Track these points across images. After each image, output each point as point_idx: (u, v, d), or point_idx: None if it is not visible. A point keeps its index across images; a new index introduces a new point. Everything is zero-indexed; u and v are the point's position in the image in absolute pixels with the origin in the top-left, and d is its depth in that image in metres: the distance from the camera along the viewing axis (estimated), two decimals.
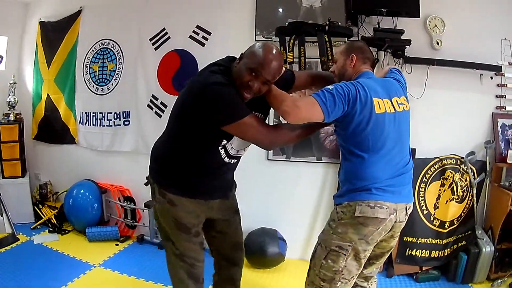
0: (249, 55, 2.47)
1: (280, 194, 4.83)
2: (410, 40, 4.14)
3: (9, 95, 5.78)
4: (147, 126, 5.27)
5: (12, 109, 5.79)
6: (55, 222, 5.69)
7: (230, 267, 3.25)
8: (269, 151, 4.75)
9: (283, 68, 2.61)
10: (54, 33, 5.90)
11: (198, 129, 2.51)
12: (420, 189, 4.29)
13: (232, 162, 2.79)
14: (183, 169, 2.70)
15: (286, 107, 2.44)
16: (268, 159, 4.85)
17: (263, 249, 4.47)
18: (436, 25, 4.30)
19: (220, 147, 2.62)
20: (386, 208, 2.46)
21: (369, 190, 2.47)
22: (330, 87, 2.45)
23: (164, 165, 2.79)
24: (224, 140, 2.59)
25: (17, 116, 5.89)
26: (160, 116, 5.17)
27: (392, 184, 2.52)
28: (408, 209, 2.65)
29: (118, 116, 5.48)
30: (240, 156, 2.84)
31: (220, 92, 2.39)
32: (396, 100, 2.61)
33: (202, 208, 2.84)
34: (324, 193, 4.73)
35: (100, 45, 5.56)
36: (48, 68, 5.96)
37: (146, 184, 3.00)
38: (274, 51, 2.47)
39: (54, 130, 6.07)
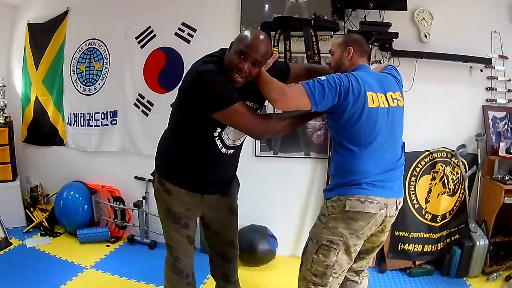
0: (237, 40, 2.51)
1: (269, 190, 4.82)
2: (398, 33, 4.13)
3: None
4: (134, 125, 5.27)
5: (1, 112, 5.76)
6: (47, 225, 5.68)
7: (222, 263, 3.27)
8: (256, 147, 4.76)
9: (273, 52, 2.65)
10: (41, 35, 5.89)
11: (192, 117, 2.55)
12: (411, 183, 4.29)
13: (229, 153, 2.79)
14: (182, 160, 2.75)
15: (275, 94, 2.48)
16: (255, 155, 4.83)
17: (253, 246, 4.47)
18: (424, 18, 4.29)
19: (216, 137, 2.64)
20: (377, 203, 2.47)
21: (360, 184, 2.47)
22: (323, 77, 2.46)
23: (166, 156, 2.86)
24: (218, 128, 2.61)
25: (7, 119, 5.85)
26: (146, 114, 5.17)
27: (382, 179, 2.52)
28: (399, 204, 2.66)
29: (106, 116, 5.45)
30: (238, 147, 2.85)
31: (210, 79, 2.43)
32: (391, 95, 2.62)
33: (198, 203, 2.88)
34: (313, 188, 4.72)
35: (87, 45, 5.54)
36: (36, 70, 5.94)
37: (152, 174, 3.04)
38: (261, 34, 2.49)
39: (43, 132, 6.05)
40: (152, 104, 5.12)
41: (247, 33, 2.49)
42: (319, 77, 2.48)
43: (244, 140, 2.87)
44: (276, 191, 4.81)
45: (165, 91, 5.02)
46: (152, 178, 3.03)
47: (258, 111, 2.83)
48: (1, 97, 5.77)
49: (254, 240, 4.41)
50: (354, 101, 2.43)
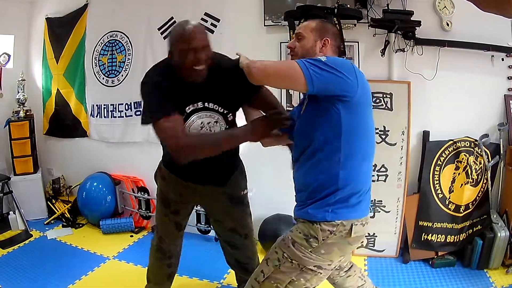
0: (172, 44, 2.49)
1: None
2: (420, 22, 4.13)
3: (18, 92, 5.87)
4: None
5: (21, 106, 5.88)
6: (69, 216, 5.78)
7: (231, 251, 3.38)
8: None
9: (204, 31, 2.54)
10: (61, 29, 6.00)
11: None
12: (435, 172, 4.29)
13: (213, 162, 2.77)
14: None
15: (252, 64, 2.30)
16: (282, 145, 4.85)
17: (279, 235, 4.43)
18: (445, 6, 4.28)
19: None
20: (368, 221, 2.36)
21: (360, 203, 2.26)
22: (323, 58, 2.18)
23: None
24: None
25: (27, 113, 5.98)
26: None
27: (369, 187, 2.38)
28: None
29: (130, 107, 5.54)
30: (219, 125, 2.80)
31: (143, 92, 2.57)
32: None
33: (190, 192, 2.99)
34: None
35: (109, 37, 5.64)
36: (57, 63, 6.07)
37: None
38: (185, 25, 2.46)
39: (65, 124, 6.17)
40: None
41: (174, 33, 2.51)
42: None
43: (233, 103, 2.84)
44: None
45: None
46: None
47: (230, 115, 2.79)
48: (21, 91, 5.88)
49: (279, 229, 4.40)
50: (361, 97, 2.19)
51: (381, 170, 4.36)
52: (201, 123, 2.69)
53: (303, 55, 2.37)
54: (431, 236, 4.31)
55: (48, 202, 6.07)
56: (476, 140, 4.28)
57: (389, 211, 4.42)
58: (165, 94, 2.49)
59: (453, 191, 4.32)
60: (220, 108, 2.72)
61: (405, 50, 4.24)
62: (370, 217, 2.58)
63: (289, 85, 2.49)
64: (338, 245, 2.23)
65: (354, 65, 2.24)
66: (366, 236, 4.31)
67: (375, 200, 4.42)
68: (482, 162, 4.30)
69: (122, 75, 5.57)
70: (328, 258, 2.25)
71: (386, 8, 4.14)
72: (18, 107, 5.90)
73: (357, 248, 2.69)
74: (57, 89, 6.14)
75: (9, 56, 6.11)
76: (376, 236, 4.45)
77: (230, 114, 2.80)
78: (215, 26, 4.92)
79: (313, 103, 2.29)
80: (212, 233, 5.05)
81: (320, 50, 2.42)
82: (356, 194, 2.23)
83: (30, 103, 6.08)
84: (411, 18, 4.12)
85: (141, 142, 5.56)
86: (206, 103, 2.66)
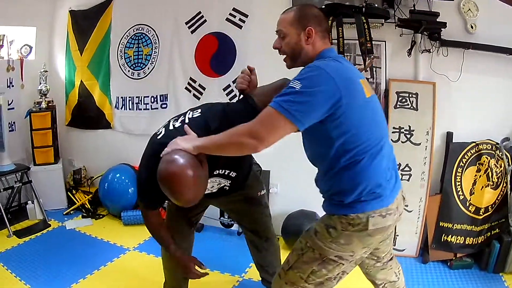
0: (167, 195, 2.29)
1: None
2: (446, 23, 4.15)
3: (40, 83, 5.93)
4: (185, 109, 5.25)
5: (44, 97, 5.94)
6: (89, 207, 5.86)
7: (254, 251, 3.44)
8: None
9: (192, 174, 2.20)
10: (85, 21, 6.07)
11: None
12: (457, 174, 4.32)
13: (227, 186, 2.86)
14: None
15: (242, 138, 2.08)
16: None
17: (301, 231, 4.40)
18: (469, 9, 4.29)
19: None
20: (394, 211, 2.26)
21: (380, 196, 2.19)
22: (295, 85, 2.03)
23: None
24: None
25: (49, 104, 6.03)
26: (198, 98, 5.29)
27: (390, 176, 2.28)
28: (404, 194, 2.46)
29: (155, 99, 5.62)
30: (236, 177, 2.82)
31: (139, 178, 2.64)
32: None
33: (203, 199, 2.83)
34: None
35: (135, 30, 5.72)
36: (81, 55, 6.14)
37: None
38: (171, 178, 2.20)
39: (88, 115, 6.25)
40: (204, 88, 5.27)
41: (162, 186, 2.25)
42: (288, 87, 2.05)
43: (245, 164, 2.90)
44: None
45: (217, 75, 5.17)
46: None
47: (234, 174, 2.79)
48: (43, 82, 5.93)
49: (303, 225, 4.35)
50: (349, 99, 2.05)
51: (405, 169, 4.40)
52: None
53: (292, 54, 2.32)
54: (451, 238, 4.35)
55: (68, 193, 6.12)
56: (497, 143, 4.30)
57: (411, 211, 4.44)
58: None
59: (473, 193, 4.35)
60: (232, 173, 2.78)
61: (431, 51, 4.27)
62: None
63: (282, 134, 2.04)
64: (357, 237, 2.20)
65: (328, 68, 2.07)
66: None
67: None
68: (503, 165, 4.31)
69: (148, 68, 5.65)
70: (349, 249, 2.23)
71: (413, 8, 4.16)
72: (40, 98, 5.95)
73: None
74: (81, 80, 6.21)
75: (30, 48, 6.18)
76: (397, 235, 4.47)
77: (235, 174, 2.82)
78: (243, 21, 4.98)
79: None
80: (235, 227, 5.11)
81: (307, 42, 2.28)
82: (373, 189, 2.16)
83: (52, 94, 6.13)
84: (437, 20, 4.15)
85: None
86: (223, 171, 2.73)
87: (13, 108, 5.93)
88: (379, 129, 2.25)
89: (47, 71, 6.03)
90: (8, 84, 5.90)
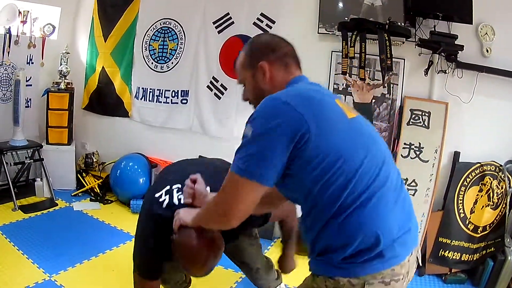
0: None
1: None
2: (463, 46, 4.36)
3: (61, 64, 6.22)
4: (205, 107, 5.77)
5: (63, 78, 6.21)
6: (98, 191, 6.14)
7: (237, 263, 3.49)
8: None
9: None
10: (112, 8, 6.37)
11: None
12: (460, 192, 4.55)
13: None
14: None
15: (215, 216, 1.92)
16: None
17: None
18: (486, 33, 4.48)
19: None
20: (403, 274, 1.79)
21: (381, 255, 1.71)
22: (248, 132, 1.72)
23: None
24: None
25: (68, 86, 6.29)
26: (219, 98, 5.67)
27: (402, 224, 1.81)
28: (418, 251, 1.96)
29: (176, 94, 5.97)
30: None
31: (139, 247, 2.69)
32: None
33: None
34: None
35: (161, 23, 6.04)
36: (105, 41, 6.43)
37: None
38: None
39: (107, 102, 6.58)
40: (225, 88, 5.62)
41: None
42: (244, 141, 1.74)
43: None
44: None
45: None
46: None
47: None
48: (64, 63, 6.22)
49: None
50: (322, 126, 1.69)
51: (411, 184, 4.65)
52: None
53: (257, 101, 1.86)
54: (448, 253, 4.57)
55: (78, 175, 6.40)
56: (501, 165, 4.51)
57: None
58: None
59: (474, 211, 4.57)
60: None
61: (447, 71, 4.50)
62: None
63: (254, 198, 1.73)
64: None
65: (285, 96, 1.76)
66: None
67: None
68: (504, 186, 4.50)
69: (172, 63, 5.98)
70: None
71: (433, 29, 4.41)
72: (59, 79, 6.21)
73: None
74: (103, 67, 6.52)
75: (53, 27, 6.40)
76: None
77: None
78: (270, 27, 5.28)
79: None
80: None
81: (264, 81, 1.96)
82: (373, 243, 1.70)
83: (71, 76, 6.38)
84: (455, 42, 4.38)
85: (183, 130, 6.01)
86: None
87: (30, 85, 6.23)
88: (376, 156, 1.81)
89: (69, 53, 6.31)
90: (28, 61, 6.18)
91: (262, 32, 5.23)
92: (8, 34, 5.79)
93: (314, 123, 1.66)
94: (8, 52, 5.85)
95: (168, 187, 2.64)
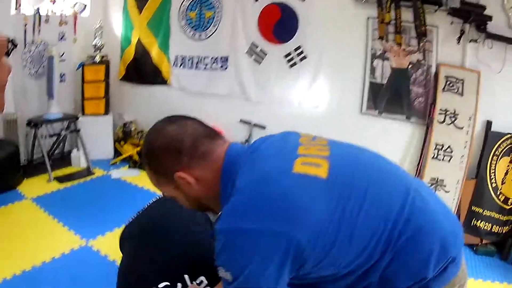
0: None
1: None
2: (491, 17, 4.42)
3: (96, 37, 6.43)
4: (245, 72, 5.91)
5: (98, 52, 6.43)
6: (137, 159, 6.28)
7: None
8: (363, 104, 5.26)
9: None
10: None
11: None
12: (492, 162, 4.59)
13: None
14: None
15: None
16: (361, 112, 5.31)
17: None
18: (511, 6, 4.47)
19: None
20: None
21: None
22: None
23: None
24: None
25: (103, 58, 6.52)
26: (259, 63, 5.79)
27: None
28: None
29: (216, 60, 6.11)
30: None
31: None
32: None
33: None
34: (408, 155, 5.17)
35: None
36: (140, 13, 6.60)
37: None
38: None
39: (144, 71, 6.75)
40: (265, 54, 5.72)
41: None
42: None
43: None
44: (375, 149, 4.88)
45: (280, 42, 5.58)
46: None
47: None
48: (98, 37, 6.43)
49: None
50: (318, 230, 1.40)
51: (447, 150, 4.75)
52: None
53: (200, 207, 1.76)
54: (480, 223, 4.61)
55: (116, 143, 6.61)
56: None
57: (448, 191, 4.72)
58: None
59: (504, 182, 4.58)
60: None
61: (478, 41, 4.56)
62: None
63: None
64: None
65: (257, 222, 1.38)
66: None
67: (437, 178, 4.78)
68: None
69: (210, 31, 6.10)
70: None
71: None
72: (94, 52, 6.43)
73: None
74: (138, 38, 6.68)
75: (84, 5, 6.53)
76: None
77: None
78: None
79: None
80: None
81: (194, 189, 1.63)
82: None
83: (106, 50, 6.59)
84: (484, 13, 4.46)
85: (223, 95, 6.17)
86: None
87: (64, 60, 6.41)
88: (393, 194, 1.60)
89: (102, 27, 6.51)
90: (60, 38, 6.37)
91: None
92: (37, 14, 5.91)
93: (301, 232, 1.37)
94: (39, 30, 5.98)
95: None
